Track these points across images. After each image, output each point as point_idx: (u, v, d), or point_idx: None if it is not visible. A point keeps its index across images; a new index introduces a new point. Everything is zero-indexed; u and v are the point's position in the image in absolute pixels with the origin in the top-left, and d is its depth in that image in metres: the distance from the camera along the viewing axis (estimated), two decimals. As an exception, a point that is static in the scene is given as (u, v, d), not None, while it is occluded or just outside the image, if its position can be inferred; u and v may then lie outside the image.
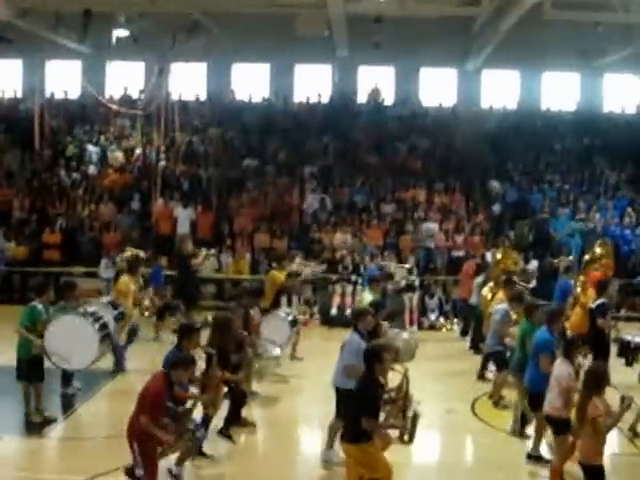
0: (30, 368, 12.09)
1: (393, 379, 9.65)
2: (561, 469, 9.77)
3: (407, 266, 22.20)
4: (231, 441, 11.43)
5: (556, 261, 20.74)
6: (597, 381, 8.54)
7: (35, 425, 12.03)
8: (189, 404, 9.64)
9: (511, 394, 13.07)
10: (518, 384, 12.13)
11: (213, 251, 22.01)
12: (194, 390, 9.93)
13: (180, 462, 9.70)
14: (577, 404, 8.74)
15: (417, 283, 21.84)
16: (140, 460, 8.63)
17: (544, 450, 11.03)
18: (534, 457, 10.95)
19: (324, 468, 10.73)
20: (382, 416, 8.74)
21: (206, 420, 10.64)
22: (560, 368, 9.91)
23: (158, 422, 8.66)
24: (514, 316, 13.68)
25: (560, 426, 9.82)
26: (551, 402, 9.92)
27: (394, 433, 9.07)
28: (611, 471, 10.48)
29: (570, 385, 9.64)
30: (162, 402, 8.78)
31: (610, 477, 8.96)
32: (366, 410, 8.18)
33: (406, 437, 8.57)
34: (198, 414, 10.32)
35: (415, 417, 8.56)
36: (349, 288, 21.85)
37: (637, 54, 26.94)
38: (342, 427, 9.00)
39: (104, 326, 13.20)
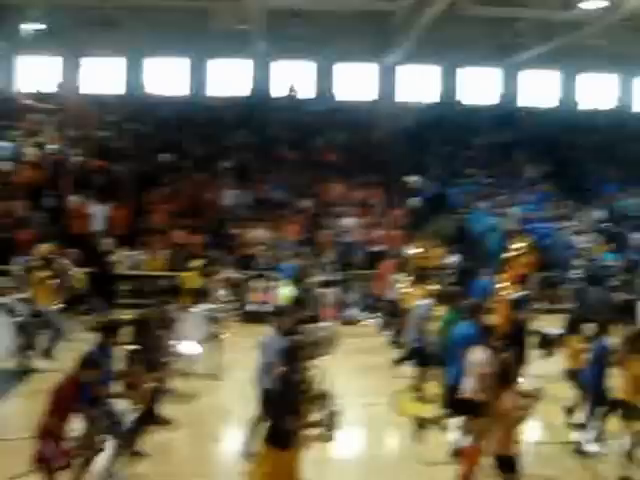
0: None
1: (312, 376, 9.59)
2: (479, 452, 9.78)
3: (326, 261, 22.14)
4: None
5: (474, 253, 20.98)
6: (507, 373, 8.66)
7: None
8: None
9: (432, 387, 13.14)
10: (441, 374, 12.18)
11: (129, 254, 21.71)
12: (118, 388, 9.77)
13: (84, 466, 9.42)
14: (488, 397, 8.87)
15: (336, 278, 21.78)
16: (42, 457, 8.50)
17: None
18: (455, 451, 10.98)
19: (244, 465, 10.56)
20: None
21: (141, 417, 10.46)
22: (476, 354, 10.01)
23: (66, 423, 8.56)
24: (436, 312, 13.73)
25: (475, 409, 9.85)
26: (467, 386, 10.03)
27: (315, 430, 8.98)
28: (533, 460, 10.70)
29: (486, 371, 9.66)
30: (70, 403, 8.64)
31: (534, 466, 9.05)
32: (287, 409, 8.10)
33: (327, 434, 8.48)
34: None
35: (336, 414, 8.47)
36: (266, 284, 21.66)
37: (555, 49, 27.38)
38: (265, 428, 8.86)
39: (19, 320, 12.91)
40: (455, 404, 10.61)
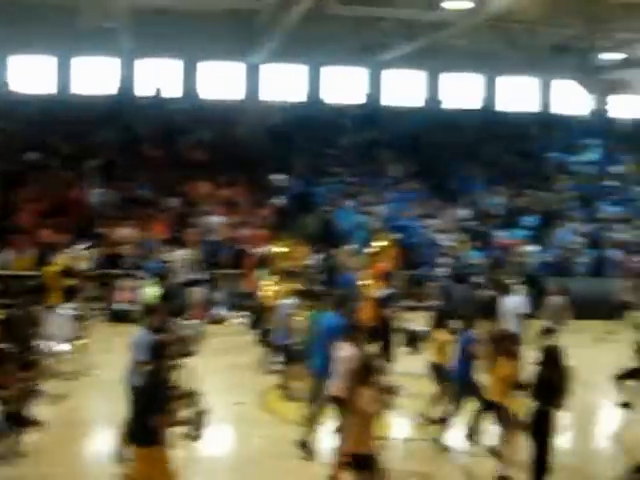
0: None
1: (180, 374, 9.70)
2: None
3: (192, 259, 22.16)
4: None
5: (339, 251, 21.27)
6: (365, 370, 8.65)
7: None
8: None
9: (300, 385, 13.28)
10: (309, 372, 12.42)
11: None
12: None
13: None
14: (347, 394, 8.85)
15: (202, 277, 21.89)
16: None
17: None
18: (303, 445, 11.14)
19: (116, 466, 10.58)
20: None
21: (12, 417, 10.37)
22: (344, 351, 10.11)
23: None
24: (301, 310, 13.99)
25: (344, 407, 10.08)
26: (336, 384, 10.10)
27: (183, 429, 9.06)
28: (397, 456, 10.93)
29: (352, 367, 9.64)
30: None
31: (402, 461, 9.20)
32: (154, 407, 8.00)
33: (195, 432, 8.56)
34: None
35: (204, 412, 8.58)
36: (133, 283, 21.55)
37: (420, 49, 27.88)
38: (131, 426, 8.89)
39: None
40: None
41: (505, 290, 15.78)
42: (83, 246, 21.15)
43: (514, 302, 14.94)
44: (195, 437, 8.55)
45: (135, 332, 10.74)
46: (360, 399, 8.44)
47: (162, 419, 7.98)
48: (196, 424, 8.53)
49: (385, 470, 8.87)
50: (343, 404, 10.02)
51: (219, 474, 11.01)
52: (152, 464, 8.04)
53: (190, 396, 8.89)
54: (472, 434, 11.69)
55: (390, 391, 8.74)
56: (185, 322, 15.44)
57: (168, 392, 8.30)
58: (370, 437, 8.58)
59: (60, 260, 17.89)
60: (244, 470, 11.05)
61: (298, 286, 15.04)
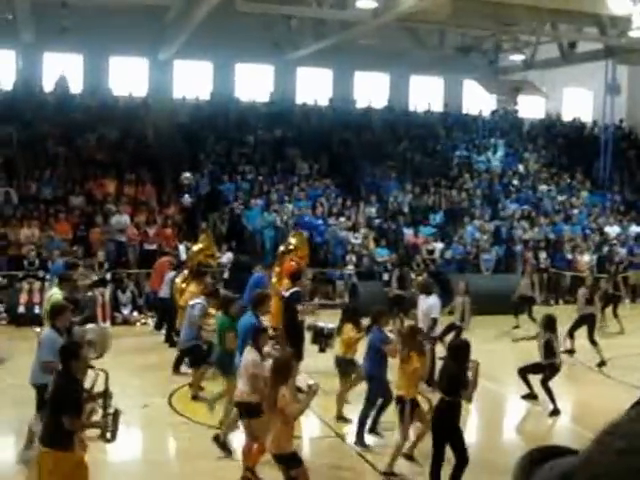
0: None
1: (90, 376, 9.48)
2: (259, 448, 9.90)
3: (96, 259, 21.74)
4: None
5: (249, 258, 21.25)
6: (284, 370, 8.64)
7: None
8: None
9: (211, 386, 13.29)
10: (224, 378, 12.21)
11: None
12: None
13: None
14: (267, 394, 8.84)
15: (108, 277, 21.49)
16: None
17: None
18: (221, 444, 11.08)
19: (23, 469, 10.30)
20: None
21: None
22: (246, 355, 10.06)
23: None
24: (210, 310, 13.86)
25: (249, 411, 9.97)
26: (241, 389, 10.04)
27: (95, 432, 8.86)
28: (312, 454, 11.02)
29: (256, 372, 9.77)
30: None
31: (311, 460, 9.23)
32: (66, 409, 7.81)
33: (108, 435, 8.37)
34: None
35: (116, 414, 8.39)
36: (37, 284, 20.98)
37: (329, 48, 27.90)
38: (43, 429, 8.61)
39: None
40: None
41: (424, 290, 15.73)
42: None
43: (428, 304, 14.91)
44: (109, 439, 8.35)
45: (43, 332, 10.49)
46: (280, 400, 8.42)
47: (74, 422, 7.80)
48: (110, 427, 8.34)
49: (305, 468, 8.88)
50: (245, 409, 10.10)
51: (131, 477, 10.80)
52: (64, 468, 7.86)
53: (102, 397, 8.67)
54: (374, 428, 11.82)
55: (308, 390, 8.73)
56: (91, 324, 15.02)
57: (80, 394, 8.12)
58: (290, 436, 8.68)
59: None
60: (157, 472, 10.91)
61: (210, 289, 14.85)
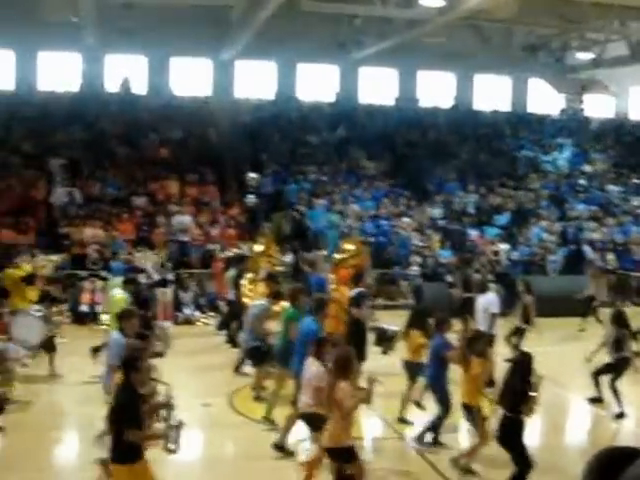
0: None
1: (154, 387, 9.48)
2: (317, 464, 9.76)
3: (159, 259, 21.78)
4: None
5: (311, 254, 21.05)
6: (344, 365, 8.62)
7: None
8: None
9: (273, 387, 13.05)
10: (279, 371, 12.20)
11: None
12: None
13: None
14: (326, 388, 8.79)
15: (170, 277, 21.48)
16: None
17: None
18: (279, 447, 10.98)
19: (82, 471, 10.34)
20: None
21: None
22: (310, 368, 9.90)
23: None
24: (274, 311, 13.68)
25: (313, 422, 9.81)
26: (305, 401, 9.91)
27: (158, 443, 8.74)
28: (372, 454, 10.85)
29: (319, 385, 9.55)
30: None
31: (372, 461, 9.10)
32: (127, 422, 7.73)
33: (171, 446, 8.24)
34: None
35: (179, 425, 8.26)
36: (99, 284, 21.06)
37: (393, 47, 27.68)
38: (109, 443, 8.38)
39: None
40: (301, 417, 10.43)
41: (479, 289, 15.59)
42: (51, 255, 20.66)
43: (486, 301, 14.78)
44: (172, 450, 8.21)
45: (104, 335, 10.47)
46: (339, 393, 8.40)
47: (136, 434, 7.72)
48: (174, 437, 8.20)
49: (363, 464, 8.79)
50: (309, 420, 9.98)
51: (190, 477, 10.75)
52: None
53: (165, 408, 8.55)
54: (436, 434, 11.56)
55: (369, 384, 8.64)
56: (155, 324, 15.04)
57: (140, 406, 8.00)
58: (348, 431, 8.61)
59: (24, 263, 17.35)
60: (217, 472, 10.86)
61: (274, 290, 14.69)
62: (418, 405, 12.53)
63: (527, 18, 25.88)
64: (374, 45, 28.25)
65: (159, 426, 8.68)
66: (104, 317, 16.47)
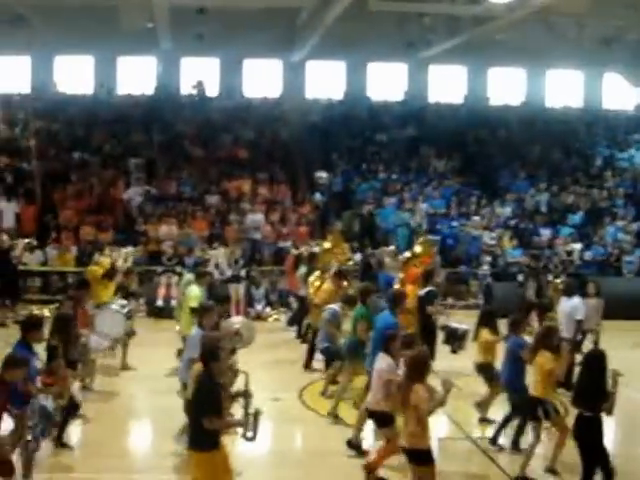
0: None
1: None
2: (381, 462, 9.88)
3: (232, 256, 22.11)
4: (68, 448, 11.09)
5: (377, 251, 21.11)
6: (419, 367, 8.57)
7: None
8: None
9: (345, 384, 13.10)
10: (348, 367, 12.32)
11: (31, 241, 21.36)
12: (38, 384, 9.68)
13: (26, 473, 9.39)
14: (401, 391, 8.73)
15: (243, 274, 21.83)
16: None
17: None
18: (354, 445, 11.03)
19: (160, 459, 10.69)
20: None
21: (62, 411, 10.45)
22: (380, 362, 9.96)
23: None
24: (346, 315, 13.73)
25: (381, 420, 9.92)
26: (372, 398, 9.98)
27: (237, 430, 8.85)
28: (440, 455, 10.59)
29: (390, 378, 9.64)
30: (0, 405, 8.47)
31: (439, 461, 9.09)
32: (207, 410, 7.84)
33: (249, 434, 8.40)
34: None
35: (257, 413, 8.42)
36: (174, 279, 21.54)
37: (462, 45, 27.69)
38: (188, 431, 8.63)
39: None
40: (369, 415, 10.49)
41: (565, 292, 15.17)
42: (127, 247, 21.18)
43: (571, 306, 14.31)
44: (250, 438, 8.39)
45: (177, 328, 10.72)
46: (414, 397, 8.37)
47: (215, 422, 7.86)
48: (251, 426, 8.37)
49: (434, 469, 8.72)
50: (377, 418, 10.07)
51: (261, 471, 10.87)
52: (211, 468, 7.94)
53: (243, 397, 8.73)
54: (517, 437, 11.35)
55: (444, 387, 8.55)
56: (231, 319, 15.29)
57: (219, 394, 8.13)
58: (425, 433, 8.54)
59: (103, 258, 17.89)
60: (285, 466, 10.94)
61: (344, 288, 14.83)
62: (479, 407, 12.52)
63: (600, 11, 25.51)
64: (443, 43, 28.24)
65: (237, 414, 8.80)
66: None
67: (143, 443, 12.18)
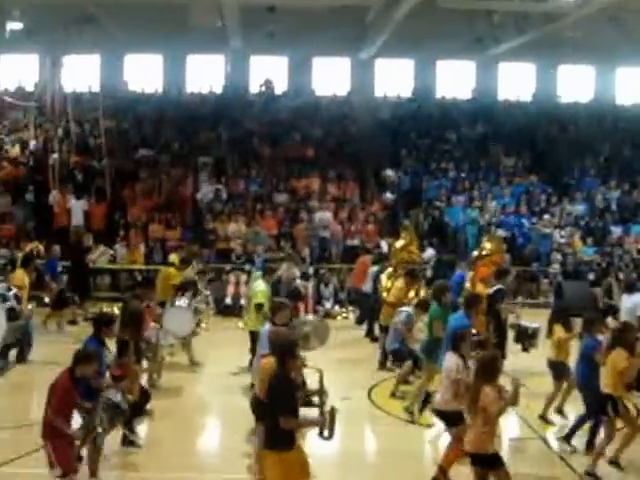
0: None
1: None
2: (453, 460, 9.82)
3: (300, 254, 22.18)
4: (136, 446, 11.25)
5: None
6: (489, 369, 8.49)
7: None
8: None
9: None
10: (425, 366, 12.30)
11: (108, 249, 21.71)
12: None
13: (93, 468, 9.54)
14: (470, 392, 8.68)
15: (311, 271, 21.88)
16: (55, 461, 8.43)
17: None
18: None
19: (229, 458, 10.73)
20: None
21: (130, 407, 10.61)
22: (448, 361, 9.91)
23: (66, 418, 8.48)
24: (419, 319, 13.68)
25: (449, 419, 9.89)
26: (440, 396, 9.96)
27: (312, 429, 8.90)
28: (510, 455, 10.63)
29: (459, 377, 9.60)
30: (69, 398, 8.57)
31: (509, 462, 9.00)
32: (283, 410, 7.74)
33: (326, 433, 8.39)
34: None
35: (333, 411, 8.39)
36: (243, 277, 21.72)
37: (531, 42, 27.42)
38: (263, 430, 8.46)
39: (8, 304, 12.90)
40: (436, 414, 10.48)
41: (626, 288, 15.00)
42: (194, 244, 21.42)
43: (634, 302, 14.20)
44: (326, 437, 8.37)
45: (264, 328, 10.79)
46: (484, 399, 8.30)
47: (290, 421, 7.78)
48: (328, 424, 8.35)
49: (507, 471, 8.61)
50: (445, 417, 10.02)
51: (331, 470, 10.74)
52: (285, 468, 7.86)
53: (318, 395, 8.74)
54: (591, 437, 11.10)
55: (513, 388, 8.48)
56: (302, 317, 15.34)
57: (295, 393, 8.08)
58: (492, 437, 8.44)
59: (172, 256, 18.13)
60: (355, 465, 10.92)
61: (411, 282, 14.77)
62: (560, 412, 12.40)
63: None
64: (512, 40, 27.96)
65: (312, 413, 8.81)
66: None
67: (211, 442, 12.27)
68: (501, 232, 23.48)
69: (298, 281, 19.41)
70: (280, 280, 17.16)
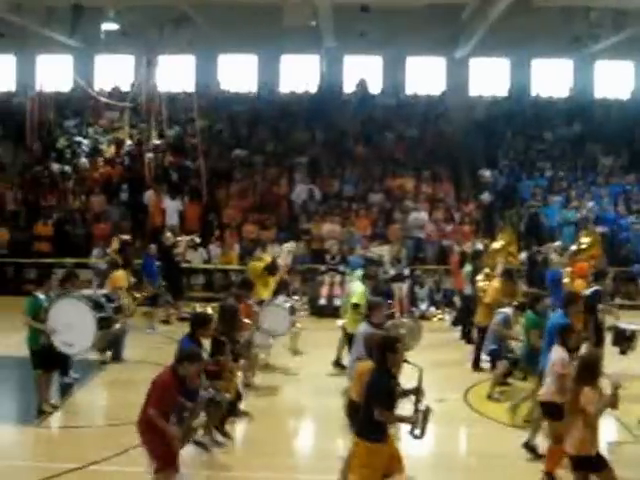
0: (43, 357, 12.18)
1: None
2: (560, 453, 9.58)
3: (395, 254, 22.06)
4: (227, 437, 11.35)
5: (543, 248, 20.70)
6: (589, 370, 8.40)
7: (43, 414, 12.18)
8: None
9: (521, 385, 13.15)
10: (530, 374, 12.15)
11: (194, 237, 21.87)
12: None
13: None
14: (570, 393, 8.58)
15: (406, 272, 21.78)
16: (153, 459, 8.59)
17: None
18: (530, 447, 10.84)
19: (323, 459, 10.77)
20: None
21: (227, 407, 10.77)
22: (555, 354, 9.81)
23: (166, 416, 8.57)
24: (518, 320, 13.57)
25: (552, 412, 9.75)
26: (546, 388, 9.87)
27: (405, 427, 8.89)
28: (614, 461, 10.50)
29: (564, 372, 9.50)
30: (170, 396, 8.67)
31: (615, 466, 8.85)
32: (377, 402, 7.94)
33: (417, 431, 8.38)
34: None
35: (427, 411, 8.39)
36: (337, 278, 21.74)
37: (629, 40, 26.86)
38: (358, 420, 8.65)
39: (102, 313, 13.12)
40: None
41: None
42: (288, 243, 21.48)
43: None
44: (418, 436, 8.37)
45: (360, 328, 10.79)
46: (583, 399, 8.21)
47: (385, 414, 7.93)
48: (420, 423, 8.35)
49: (613, 472, 8.47)
50: (548, 409, 9.87)
51: (424, 472, 10.67)
52: (374, 459, 8.00)
53: (415, 393, 8.71)
54: None
55: (613, 390, 8.33)
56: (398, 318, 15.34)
57: (393, 387, 8.20)
58: (593, 438, 8.35)
59: (266, 256, 18.24)
60: (449, 467, 10.88)
61: (508, 284, 14.58)
62: None
63: None
64: (610, 38, 27.37)
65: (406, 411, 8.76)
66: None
67: (305, 443, 12.34)
68: (599, 228, 22.97)
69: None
70: (379, 281, 17.10)
